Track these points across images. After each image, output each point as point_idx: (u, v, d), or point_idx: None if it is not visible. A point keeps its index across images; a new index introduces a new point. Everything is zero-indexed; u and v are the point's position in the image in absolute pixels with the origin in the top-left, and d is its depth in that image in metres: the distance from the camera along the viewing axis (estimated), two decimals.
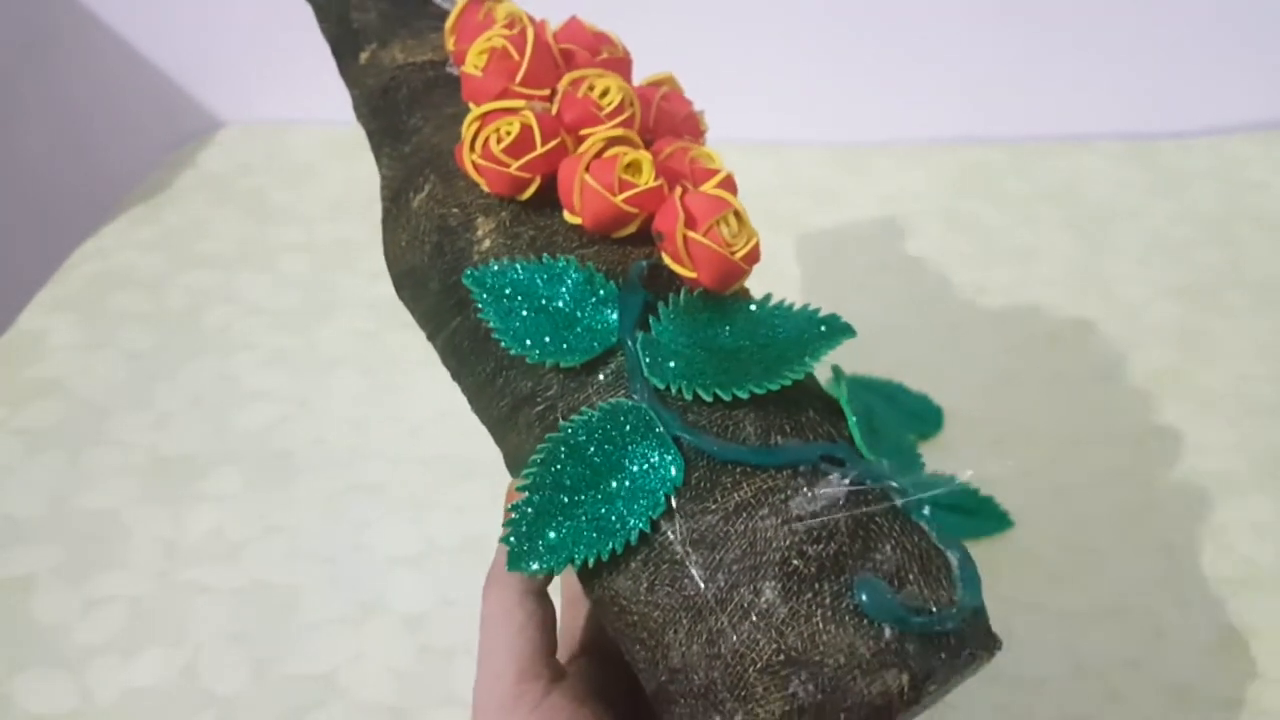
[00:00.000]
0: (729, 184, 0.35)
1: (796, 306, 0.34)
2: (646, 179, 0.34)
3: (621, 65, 0.39)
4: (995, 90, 0.80)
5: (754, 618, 0.27)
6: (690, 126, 0.40)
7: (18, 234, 0.90)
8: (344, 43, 0.44)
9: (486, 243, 0.35)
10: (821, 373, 0.35)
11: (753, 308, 0.34)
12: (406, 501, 0.54)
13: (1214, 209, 0.72)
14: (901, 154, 0.79)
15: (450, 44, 0.40)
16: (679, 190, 0.34)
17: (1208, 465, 0.54)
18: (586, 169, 0.34)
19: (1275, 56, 0.78)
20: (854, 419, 0.32)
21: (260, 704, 0.46)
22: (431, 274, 0.36)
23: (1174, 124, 0.80)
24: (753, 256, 0.34)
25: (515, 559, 0.30)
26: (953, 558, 0.29)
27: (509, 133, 0.34)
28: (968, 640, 0.28)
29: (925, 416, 0.57)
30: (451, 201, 0.36)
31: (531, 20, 0.38)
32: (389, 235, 0.38)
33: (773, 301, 0.34)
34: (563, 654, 0.35)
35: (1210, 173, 0.75)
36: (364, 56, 0.42)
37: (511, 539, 0.30)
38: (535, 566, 0.29)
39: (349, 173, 0.78)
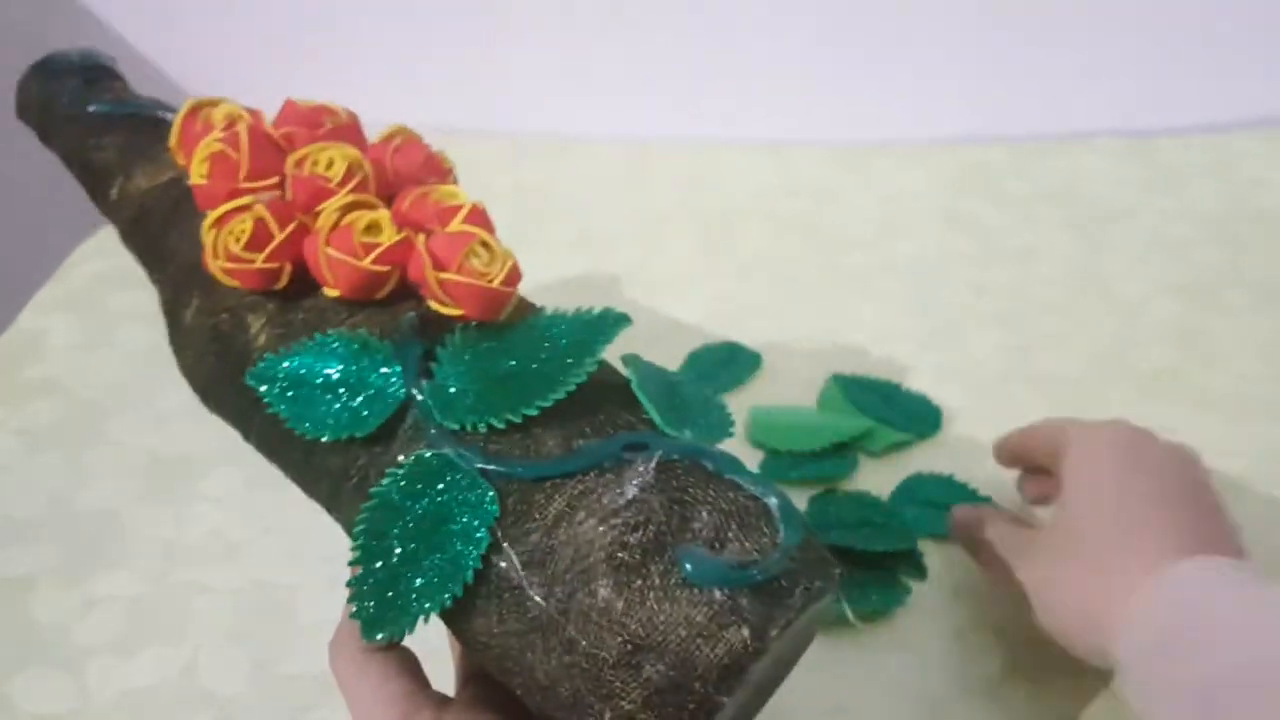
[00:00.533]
0: (476, 215, 0.36)
1: (572, 311, 0.34)
2: (388, 235, 0.35)
3: (347, 132, 0.40)
4: (995, 90, 0.80)
5: (595, 618, 0.28)
6: (432, 169, 0.40)
7: (18, 234, 0.90)
8: (92, 183, 0.45)
9: (262, 337, 0.36)
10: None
11: (530, 323, 0.34)
12: None
13: (1213, 207, 0.72)
14: (901, 154, 0.79)
15: (180, 159, 0.41)
16: (423, 236, 0.34)
17: (1208, 465, 0.54)
18: (327, 242, 0.34)
19: (1275, 52, 0.78)
20: (646, 401, 0.32)
21: (260, 704, 0.46)
22: (223, 381, 0.37)
23: (1173, 121, 0.80)
24: (512, 279, 0.34)
25: (368, 629, 0.30)
26: (771, 501, 0.30)
27: (244, 230, 0.35)
28: (801, 576, 0.29)
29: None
30: (219, 308, 0.37)
31: (248, 114, 0.39)
32: (177, 356, 0.39)
33: (554, 310, 0.35)
34: (458, 682, 0.35)
35: (1210, 170, 0.75)
36: (114, 193, 0.44)
37: (359, 614, 0.30)
38: (388, 633, 0.30)
39: None
